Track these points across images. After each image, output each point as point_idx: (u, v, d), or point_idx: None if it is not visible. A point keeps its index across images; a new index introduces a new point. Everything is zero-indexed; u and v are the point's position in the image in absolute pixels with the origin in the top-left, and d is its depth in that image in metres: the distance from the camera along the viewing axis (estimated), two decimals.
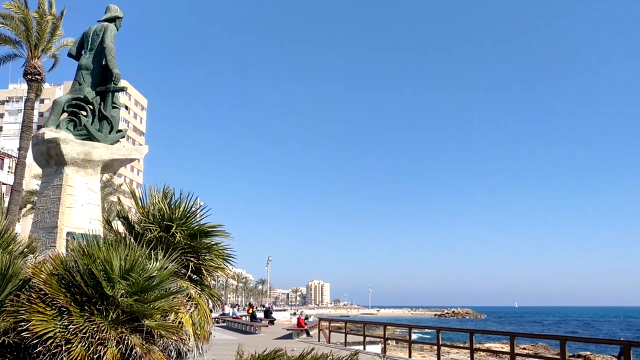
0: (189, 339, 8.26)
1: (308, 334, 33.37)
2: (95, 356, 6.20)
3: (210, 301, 10.16)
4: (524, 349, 47.18)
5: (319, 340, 29.10)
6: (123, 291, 6.75)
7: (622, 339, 28.90)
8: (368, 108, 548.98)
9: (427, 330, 36.76)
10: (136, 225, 9.88)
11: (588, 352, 45.89)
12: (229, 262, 9.97)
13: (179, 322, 8.13)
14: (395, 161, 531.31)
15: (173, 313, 7.98)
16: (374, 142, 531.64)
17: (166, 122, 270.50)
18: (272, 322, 47.85)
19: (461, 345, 26.66)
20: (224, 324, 48.05)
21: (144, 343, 6.75)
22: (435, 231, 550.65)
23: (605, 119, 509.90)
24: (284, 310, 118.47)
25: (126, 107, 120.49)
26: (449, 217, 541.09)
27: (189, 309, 8.66)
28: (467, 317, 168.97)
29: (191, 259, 9.34)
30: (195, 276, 9.64)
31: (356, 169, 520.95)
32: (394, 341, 34.15)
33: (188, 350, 8.29)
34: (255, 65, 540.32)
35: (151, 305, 6.93)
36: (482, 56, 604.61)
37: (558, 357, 15.80)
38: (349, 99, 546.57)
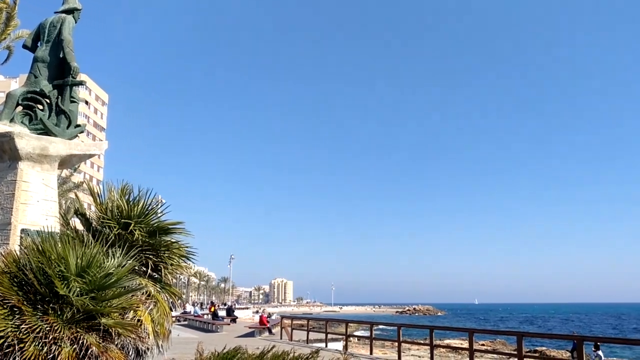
0: (148, 337, 8.14)
1: (270, 332, 33.31)
2: (49, 356, 6.06)
3: (170, 299, 10.02)
4: (483, 345, 48.12)
5: (281, 338, 29.08)
6: (79, 289, 6.61)
7: (575, 334, 29.79)
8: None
9: (388, 327, 37.13)
10: (94, 223, 9.68)
11: (544, 348, 47.06)
12: (189, 260, 9.86)
13: (138, 320, 8.00)
14: (357, 160, 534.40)
15: (132, 311, 7.85)
16: (332, 142, 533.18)
17: (131, 118, 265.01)
18: (234, 320, 47.64)
19: (422, 341, 27.09)
20: (186, 323, 47.61)
21: (100, 342, 6.63)
22: (397, 230, 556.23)
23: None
24: (247, 308, 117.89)
25: (86, 102, 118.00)
26: (410, 216, 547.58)
27: (149, 307, 8.53)
28: (428, 314, 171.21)
29: (150, 256, 9.20)
30: (154, 274, 9.50)
31: (319, 167, 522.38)
32: (356, 338, 34.43)
33: (147, 348, 8.17)
34: (222, 60, 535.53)
35: (108, 304, 6.80)
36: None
37: (515, 352, 16.16)
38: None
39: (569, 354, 36.83)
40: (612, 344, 47.67)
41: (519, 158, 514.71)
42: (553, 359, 32.87)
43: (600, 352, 28.73)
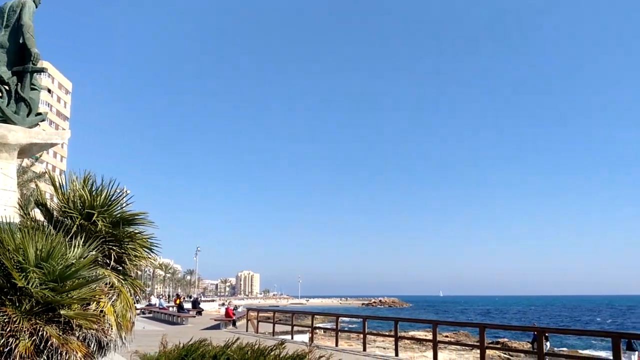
0: (111, 329, 8.02)
1: (235, 324, 33.25)
2: (6, 349, 5.92)
3: (133, 291, 9.87)
4: (447, 336, 48.88)
5: (247, 331, 29.06)
6: (38, 280, 6.47)
7: (535, 325, 30.55)
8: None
9: (354, 319, 37.42)
10: (55, 213, 9.47)
11: (505, 339, 48.11)
12: (153, 251, 9.74)
13: (101, 312, 7.87)
14: (323, 150, 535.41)
15: (94, 302, 7.72)
16: (304, 132, 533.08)
17: (97, 107, 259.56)
18: (199, 312, 47.43)
19: (387, 333, 27.37)
20: (151, 315, 47.22)
21: (60, 334, 6.50)
22: (364, 222, 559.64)
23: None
24: (213, 300, 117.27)
25: (49, 90, 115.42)
26: (376, 210, 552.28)
27: (112, 298, 8.40)
28: (394, 306, 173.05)
29: (113, 247, 9.05)
30: (118, 265, 9.36)
31: (286, 160, 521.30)
32: (322, 330, 34.56)
33: (110, 340, 8.05)
34: (190, 51, 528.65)
35: (69, 295, 6.68)
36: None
37: (478, 343, 16.46)
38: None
39: (529, 345, 37.77)
40: (566, 334, 49.11)
41: (481, 151, 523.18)
42: (514, 350, 33.59)
43: (548, 343, 29.50)
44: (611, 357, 12.91)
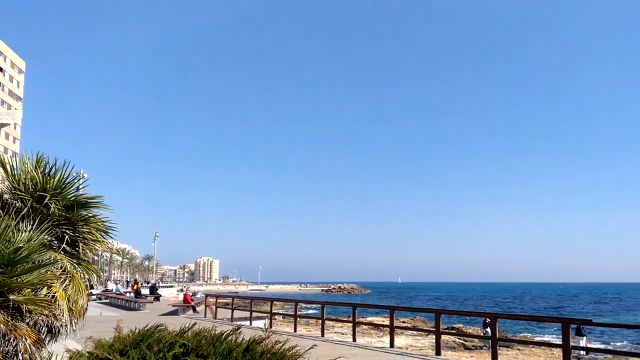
0: (63, 314, 7.83)
1: (194, 310, 33.05)
2: None
3: (88, 275, 9.66)
4: (404, 322, 49.72)
5: (205, 316, 28.91)
6: None
7: (487, 311, 31.36)
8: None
9: (313, 305, 37.63)
10: (5, 195, 9.15)
11: (460, 325, 49.22)
12: (109, 235, 9.54)
13: (52, 297, 7.68)
14: (282, 134, 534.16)
15: (45, 287, 7.52)
16: (263, 114, 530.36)
17: (55, 88, 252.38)
18: (157, 298, 46.95)
19: (345, 319, 27.56)
20: (107, 301, 46.55)
21: (9, 319, 6.33)
22: (323, 208, 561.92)
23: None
24: (171, 286, 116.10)
25: (0, 69, 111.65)
26: (337, 196, 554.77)
27: (64, 283, 8.19)
28: (353, 293, 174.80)
29: (67, 231, 8.82)
30: (71, 249, 9.13)
31: (243, 141, 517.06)
32: (281, 316, 34.65)
33: (62, 326, 7.87)
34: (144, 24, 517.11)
35: (18, 279, 6.48)
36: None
37: (434, 329, 16.78)
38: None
39: (482, 331, 38.84)
40: (517, 320, 50.64)
41: (440, 137, 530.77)
42: (469, 335, 34.40)
43: (488, 329, 30.37)
44: (560, 342, 13.34)
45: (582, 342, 33.75)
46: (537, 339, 42.03)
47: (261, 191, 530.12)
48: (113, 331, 7.64)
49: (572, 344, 13.04)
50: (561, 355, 13.24)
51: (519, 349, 35.69)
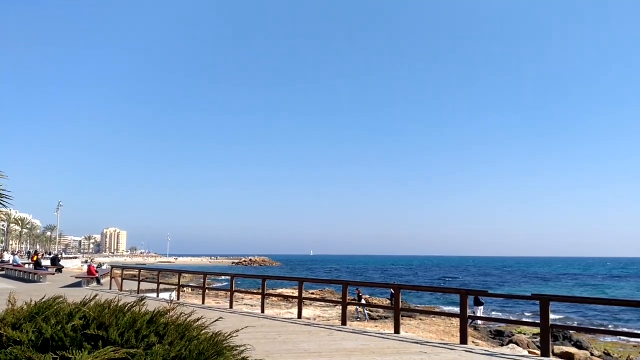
0: None
1: (99, 282, 32.08)
2: None
3: None
4: (313, 293, 50.71)
5: (110, 289, 28.17)
6: None
7: (395, 283, 32.57)
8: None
9: (222, 277, 37.58)
10: None
11: (367, 296, 50.95)
12: (3, 204, 9.03)
13: None
14: (192, 97, 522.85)
15: None
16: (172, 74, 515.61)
17: None
18: (59, 270, 45.19)
19: (255, 291, 27.79)
20: (3, 273, 44.30)
21: None
22: (234, 179, 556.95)
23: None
24: (76, 258, 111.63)
25: None
26: (247, 167, 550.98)
27: None
28: (264, 265, 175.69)
29: None
30: None
31: (147, 110, 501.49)
32: (190, 289, 34.34)
33: None
34: None
35: None
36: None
37: (341, 300, 17.28)
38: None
39: (388, 301, 40.45)
40: (420, 291, 53.17)
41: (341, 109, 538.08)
42: (375, 306, 35.69)
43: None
44: (458, 312, 14.17)
45: (479, 312, 36.16)
46: (446, 309, 44.39)
47: (170, 163, 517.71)
48: (6, 304, 7.27)
49: (469, 313, 13.87)
50: (459, 324, 14.08)
51: (420, 319, 37.46)
